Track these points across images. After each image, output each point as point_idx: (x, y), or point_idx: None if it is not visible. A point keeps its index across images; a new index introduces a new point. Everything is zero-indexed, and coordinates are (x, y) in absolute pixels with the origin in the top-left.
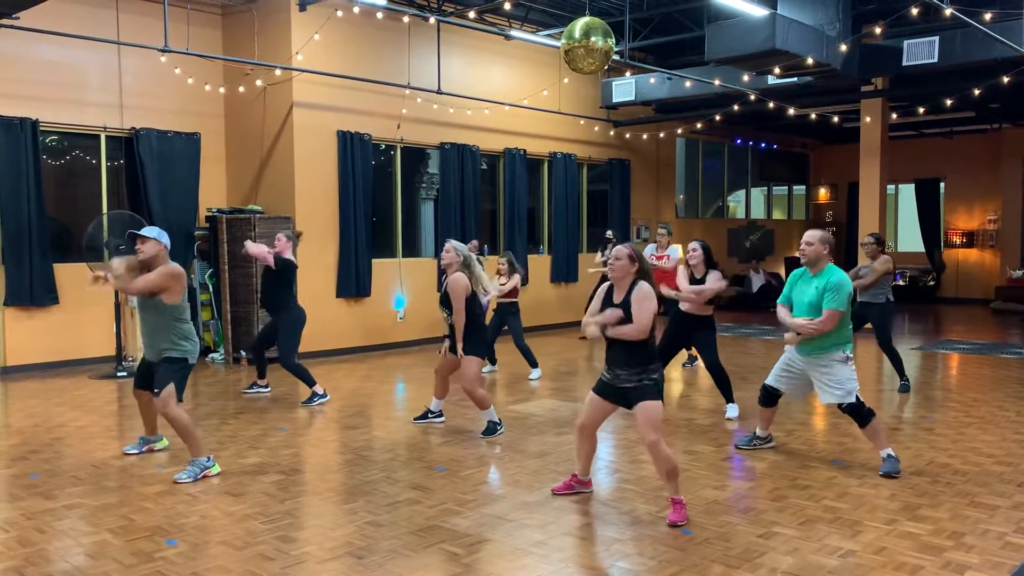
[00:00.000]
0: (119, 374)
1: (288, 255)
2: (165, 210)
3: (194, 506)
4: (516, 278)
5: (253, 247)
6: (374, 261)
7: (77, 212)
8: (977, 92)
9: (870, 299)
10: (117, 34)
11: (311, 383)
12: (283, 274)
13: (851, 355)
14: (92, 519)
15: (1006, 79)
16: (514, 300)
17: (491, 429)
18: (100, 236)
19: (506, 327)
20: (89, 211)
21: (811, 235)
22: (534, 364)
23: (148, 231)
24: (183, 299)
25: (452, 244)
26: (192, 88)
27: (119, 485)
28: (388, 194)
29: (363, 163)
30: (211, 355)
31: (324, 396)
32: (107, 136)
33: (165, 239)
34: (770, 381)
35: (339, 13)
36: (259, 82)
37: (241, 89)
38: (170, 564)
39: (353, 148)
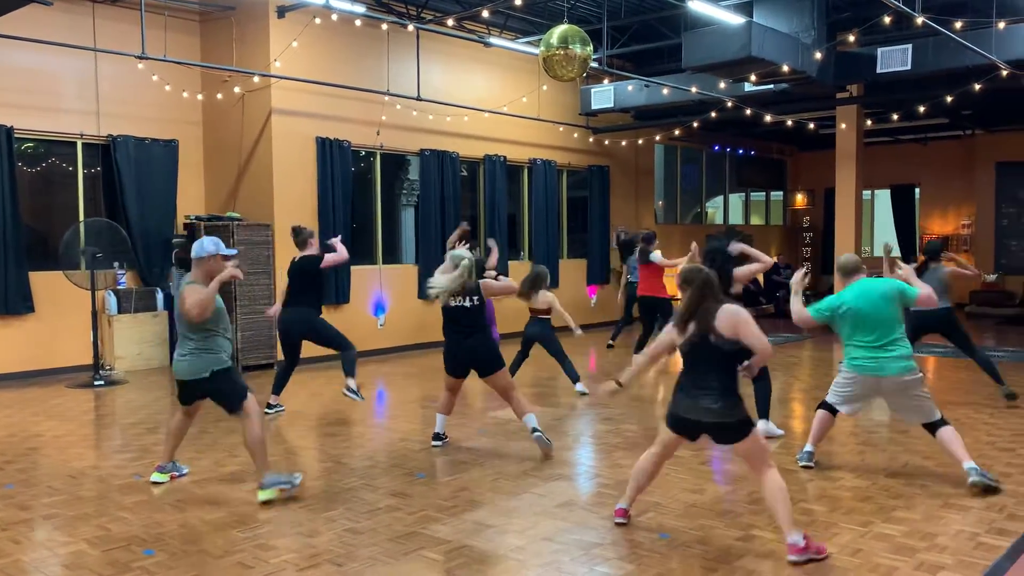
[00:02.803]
0: (96, 383)
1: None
2: (143, 218)
3: (172, 515)
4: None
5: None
6: (353, 268)
7: (53, 220)
8: (950, 99)
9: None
10: (94, 41)
11: (275, 391)
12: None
13: (843, 364)
14: (68, 529)
15: (978, 86)
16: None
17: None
18: (77, 244)
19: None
20: (65, 219)
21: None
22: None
23: (196, 247)
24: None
25: (450, 255)
26: (170, 95)
27: (96, 495)
28: (368, 201)
29: (342, 170)
30: None
31: (280, 408)
32: (84, 143)
33: (208, 248)
34: None
35: (317, 20)
36: (237, 89)
37: (219, 96)
38: (148, 574)
39: (332, 155)
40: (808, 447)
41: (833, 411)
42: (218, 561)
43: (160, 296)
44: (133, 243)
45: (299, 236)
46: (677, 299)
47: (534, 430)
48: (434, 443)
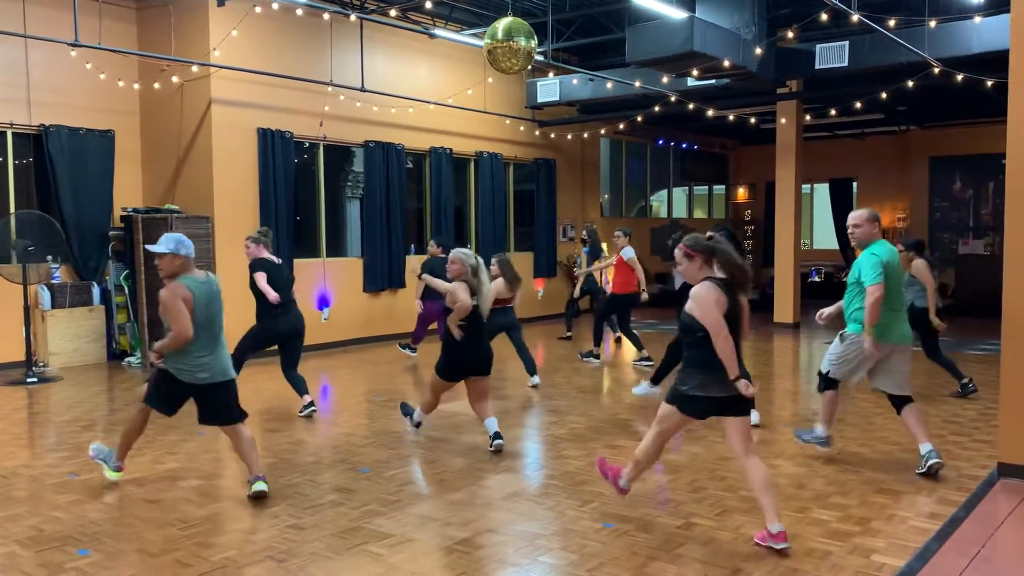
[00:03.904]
0: (29, 380)
1: (264, 255)
2: (78, 210)
3: (108, 514)
4: (495, 284)
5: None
6: (297, 261)
7: None
8: (885, 95)
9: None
10: (24, 26)
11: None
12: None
13: (847, 334)
14: None
15: (911, 83)
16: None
17: (407, 410)
18: (8, 238)
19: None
20: None
21: (857, 216)
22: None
23: (163, 241)
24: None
25: (456, 254)
26: (105, 84)
27: (28, 495)
28: (311, 193)
29: (285, 161)
30: (127, 359)
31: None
32: (14, 133)
33: (185, 248)
34: None
35: (258, 9)
36: (175, 78)
37: (157, 85)
38: (83, 574)
39: (274, 146)
40: (824, 431)
41: (835, 386)
42: (156, 560)
43: (97, 290)
44: (68, 236)
45: (268, 237)
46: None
47: (497, 435)
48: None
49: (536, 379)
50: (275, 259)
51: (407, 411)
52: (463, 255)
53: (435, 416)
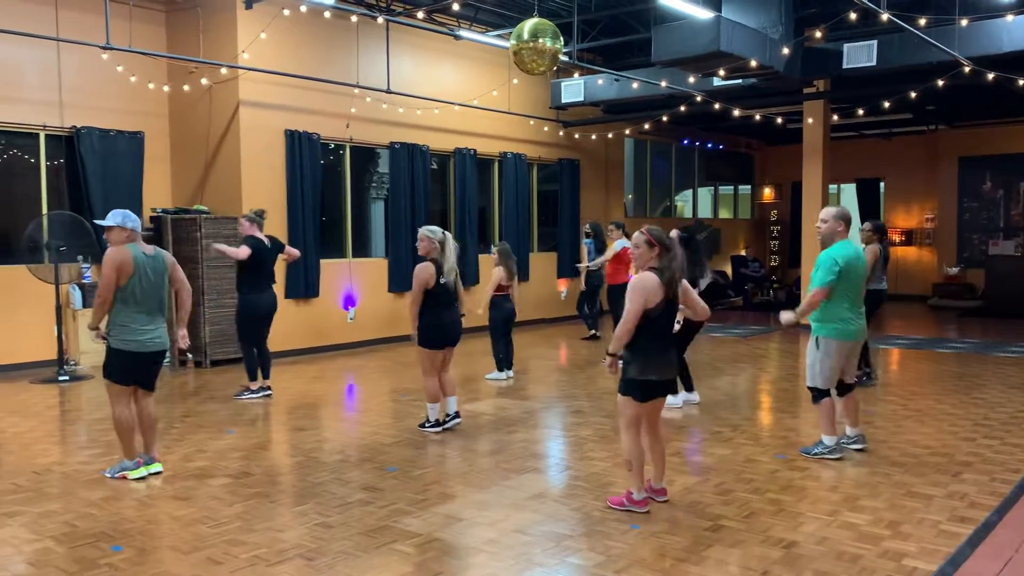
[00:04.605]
0: (61, 378)
1: (256, 234)
2: (108, 210)
3: (140, 511)
4: (496, 272)
5: (221, 246)
6: (323, 261)
7: (15, 213)
8: (914, 95)
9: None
10: (56, 30)
11: (251, 377)
12: (251, 256)
13: (824, 338)
14: (34, 526)
15: (941, 82)
16: (501, 294)
17: (423, 423)
18: (40, 237)
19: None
20: (28, 212)
21: (826, 212)
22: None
23: (111, 216)
24: (128, 284)
25: (423, 231)
26: (135, 86)
27: (62, 491)
28: (337, 194)
29: (311, 163)
30: None
31: (255, 393)
32: (47, 135)
33: (131, 221)
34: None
35: (286, 12)
36: (204, 80)
37: (186, 88)
38: (116, 570)
39: (301, 147)
40: (857, 429)
41: (829, 393)
42: (187, 557)
43: None
44: (98, 236)
45: (263, 219)
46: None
47: (456, 414)
48: (442, 427)
49: (509, 374)
50: (266, 240)
51: (423, 424)
52: (428, 232)
53: (461, 416)
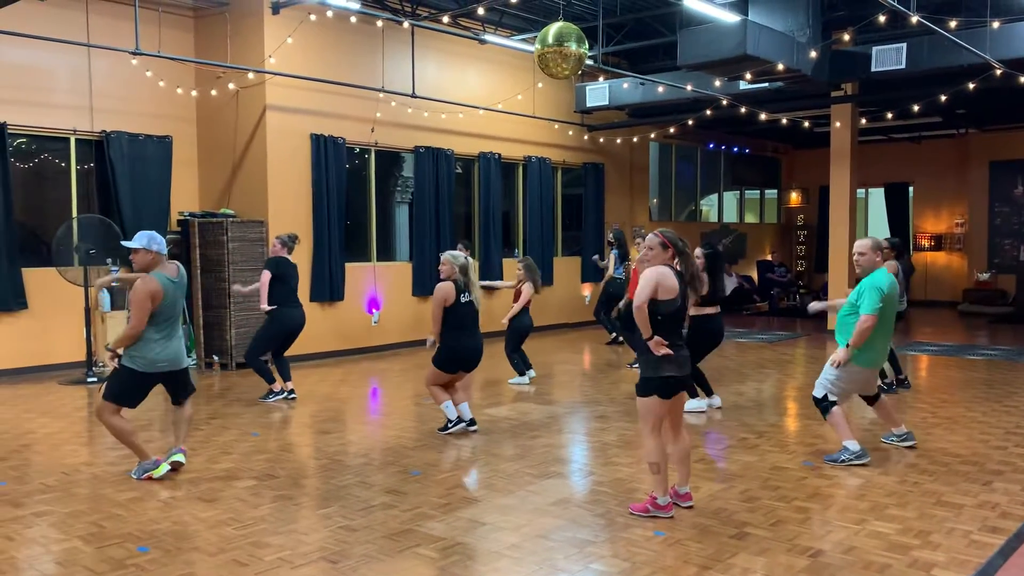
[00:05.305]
0: (89, 380)
1: (283, 256)
2: (136, 214)
3: (166, 512)
4: (526, 288)
5: (245, 288)
6: (348, 265)
7: (46, 216)
8: (944, 98)
9: None
10: (87, 36)
11: (269, 380)
12: (275, 274)
13: (851, 363)
14: (62, 526)
15: (971, 85)
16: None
17: (444, 426)
18: (70, 241)
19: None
20: (58, 215)
21: (862, 245)
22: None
23: (137, 238)
24: (153, 311)
25: (446, 255)
26: (163, 91)
27: (90, 492)
28: (362, 198)
29: (337, 166)
30: None
31: (279, 394)
32: (77, 139)
33: (157, 244)
34: None
35: (312, 17)
36: (231, 85)
37: (213, 92)
38: (142, 571)
39: (327, 151)
40: (902, 428)
41: (833, 404)
42: (212, 558)
43: None
44: (127, 239)
45: (294, 244)
46: None
47: (472, 421)
48: (463, 423)
49: (531, 374)
50: (291, 261)
51: (444, 428)
52: (451, 257)
53: (483, 420)
